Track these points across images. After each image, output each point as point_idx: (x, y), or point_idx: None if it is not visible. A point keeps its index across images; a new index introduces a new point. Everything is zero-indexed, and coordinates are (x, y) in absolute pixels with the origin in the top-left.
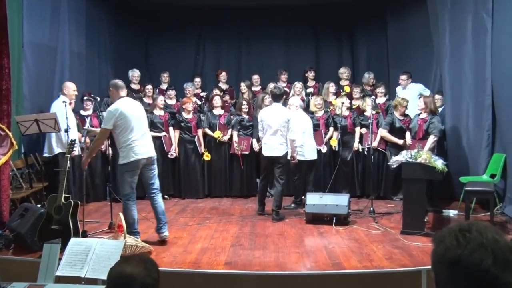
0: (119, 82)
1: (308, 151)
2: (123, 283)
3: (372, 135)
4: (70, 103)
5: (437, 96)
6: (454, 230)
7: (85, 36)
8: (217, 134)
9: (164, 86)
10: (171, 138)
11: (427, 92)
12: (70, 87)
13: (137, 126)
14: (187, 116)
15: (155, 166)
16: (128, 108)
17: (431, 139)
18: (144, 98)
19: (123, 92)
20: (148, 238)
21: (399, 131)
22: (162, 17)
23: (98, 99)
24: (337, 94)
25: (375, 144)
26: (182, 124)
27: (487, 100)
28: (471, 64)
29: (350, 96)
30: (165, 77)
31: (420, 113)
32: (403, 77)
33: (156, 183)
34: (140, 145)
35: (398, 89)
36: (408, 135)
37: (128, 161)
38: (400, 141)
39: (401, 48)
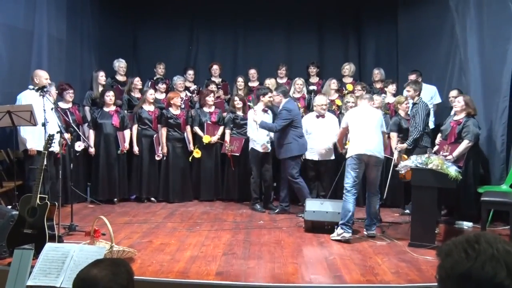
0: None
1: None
2: (85, 287)
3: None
4: (49, 94)
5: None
6: (461, 241)
7: (65, 21)
8: (206, 139)
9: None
10: (161, 137)
11: (437, 100)
12: (42, 76)
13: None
14: (175, 112)
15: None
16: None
17: (464, 144)
18: (132, 92)
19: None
20: (133, 244)
21: (406, 133)
22: (152, 3)
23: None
24: (340, 92)
25: None
26: (171, 120)
27: (504, 102)
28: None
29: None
30: (161, 68)
31: (455, 114)
32: (412, 76)
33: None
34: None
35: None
36: (438, 137)
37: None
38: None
39: (412, 42)
